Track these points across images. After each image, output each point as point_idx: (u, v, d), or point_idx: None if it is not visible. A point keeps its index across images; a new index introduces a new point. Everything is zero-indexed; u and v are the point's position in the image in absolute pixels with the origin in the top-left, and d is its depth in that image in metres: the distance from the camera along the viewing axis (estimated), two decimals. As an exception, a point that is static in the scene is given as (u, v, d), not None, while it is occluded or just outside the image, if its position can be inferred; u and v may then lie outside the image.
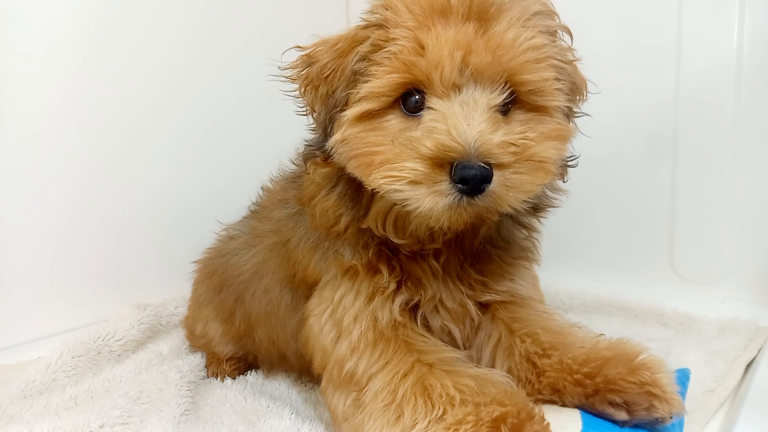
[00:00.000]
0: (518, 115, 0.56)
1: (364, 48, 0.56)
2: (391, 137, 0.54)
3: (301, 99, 0.64)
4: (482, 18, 0.53)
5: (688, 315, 1.03)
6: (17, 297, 1.04)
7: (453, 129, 0.51)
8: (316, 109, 0.61)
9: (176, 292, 1.21)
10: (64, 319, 1.09)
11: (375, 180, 0.54)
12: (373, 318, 0.62)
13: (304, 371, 0.82)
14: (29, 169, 1.04)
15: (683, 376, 0.69)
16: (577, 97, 0.62)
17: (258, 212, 0.85)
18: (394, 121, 0.56)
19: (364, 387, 0.59)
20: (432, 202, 0.52)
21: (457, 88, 0.53)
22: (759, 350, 0.89)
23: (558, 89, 0.56)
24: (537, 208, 0.66)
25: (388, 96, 0.55)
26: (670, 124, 1.14)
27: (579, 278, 1.23)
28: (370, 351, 0.60)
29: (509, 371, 0.65)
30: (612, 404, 0.57)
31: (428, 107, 0.54)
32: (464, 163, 0.50)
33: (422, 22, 0.53)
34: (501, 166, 0.51)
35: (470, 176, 0.50)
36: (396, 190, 0.53)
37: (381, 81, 0.54)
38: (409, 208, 0.54)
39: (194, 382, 0.89)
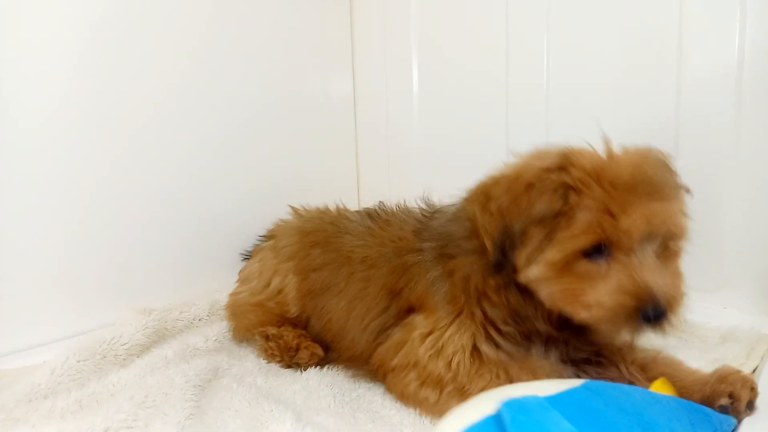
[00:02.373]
0: (663, 254, 0.73)
1: (548, 205, 0.71)
2: (587, 281, 0.71)
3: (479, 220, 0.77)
4: (656, 197, 0.71)
5: (689, 323, 1.03)
6: (23, 302, 1.05)
7: (642, 281, 0.69)
8: (492, 236, 0.75)
9: (181, 296, 1.22)
10: (69, 323, 1.10)
11: (581, 314, 0.71)
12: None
13: (348, 348, 0.95)
14: (36, 173, 1.05)
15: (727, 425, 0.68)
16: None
17: (380, 221, 1.00)
18: (582, 265, 0.71)
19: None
20: (626, 331, 0.72)
21: (637, 244, 0.70)
22: (761, 358, 0.89)
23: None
24: None
25: (582, 249, 0.70)
26: (671, 131, 1.15)
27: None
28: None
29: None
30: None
31: (615, 260, 0.70)
32: (653, 308, 0.68)
33: (614, 196, 0.70)
34: (669, 306, 0.69)
35: (656, 317, 0.68)
36: (602, 324, 0.72)
37: (579, 240, 0.70)
38: (603, 331, 0.76)
39: (199, 386, 0.89)
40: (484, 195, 0.77)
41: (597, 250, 0.70)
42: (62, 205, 1.09)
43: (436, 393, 0.80)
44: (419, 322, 0.85)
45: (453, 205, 0.92)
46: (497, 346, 0.80)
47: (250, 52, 1.38)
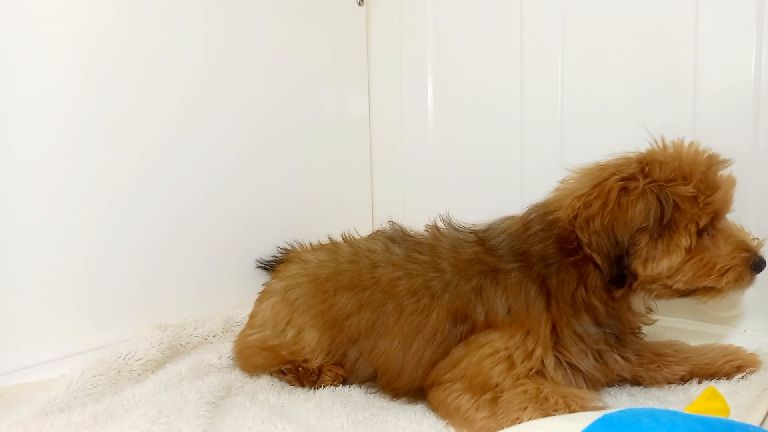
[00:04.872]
0: None
1: (650, 211, 0.79)
2: (708, 254, 0.82)
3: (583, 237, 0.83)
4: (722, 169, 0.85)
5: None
6: (40, 317, 1.06)
7: (745, 239, 0.84)
8: (602, 253, 0.81)
9: (196, 312, 1.22)
10: (86, 338, 1.11)
11: (719, 283, 0.82)
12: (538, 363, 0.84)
13: (405, 385, 0.92)
14: (51, 189, 1.07)
15: None
16: None
17: (416, 246, 0.98)
18: (698, 244, 0.81)
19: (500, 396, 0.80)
20: (747, 285, 0.84)
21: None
22: (783, 383, 0.87)
23: None
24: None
25: (702, 229, 0.81)
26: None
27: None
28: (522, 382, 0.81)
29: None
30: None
31: (716, 230, 0.83)
32: (760, 258, 0.83)
33: (702, 178, 0.81)
34: None
35: (761, 264, 0.83)
36: (732, 284, 0.82)
37: (701, 219, 0.80)
38: (722, 295, 0.84)
39: (213, 402, 0.89)
40: (581, 218, 0.82)
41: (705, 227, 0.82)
42: (78, 222, 1.10)
43: (471, 401, 0.81)
44: (494, 339, 0.85)
45: (507, 219, 0.94)
46: (566, 363, 0.85)
47: (265, 69, 1.40)
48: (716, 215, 0.82)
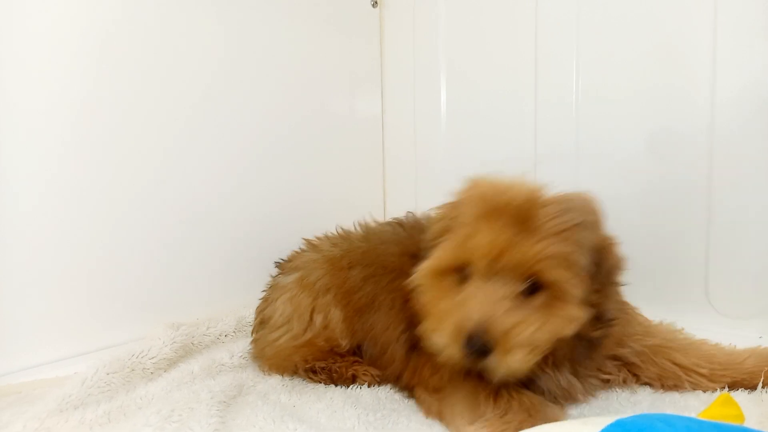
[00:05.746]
0: (539, 298, 0.72)
1: (438, 226, 0.79)
2: (443, 297, 0.75)
3: None
4: (521, 227, 0.71)
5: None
6: (55, 315, 1.08)
7: (470, 309, 0.70)
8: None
9: (208, 312, 1.23)
10: (100, 336, 1.12)
11: (426, 324, 0.76)
12: None
13: (388, 361, 0.95)
14: (64, 190, 1.08)
15: None
16: (614, 275, 0.80)
17: (409, 228, 1.01)
18: (450, 281, 0.76)
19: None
20: (452, 352, 0.72)
21: (491, 275, 0.71)
22: (799, 391, 0.86)
23: (574, 284, 0.71)
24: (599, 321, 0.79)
25: (449, 266, 0.75)
26: (704, 153, 1.13)
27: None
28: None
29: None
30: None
31: (468, 284, 0.73)
32: (471, 338, 0.69)
33: (476, 220, 0.73)
34: (498, 344, 0.69)
35: (473, 349, 0.69)
36: (434, 338, 0.74)
37: (446, 254, 0.75)
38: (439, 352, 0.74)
39: (224, 402, 0.89)
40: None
41: (465, 273, 0.74)
42: (93, 223, 1.11)
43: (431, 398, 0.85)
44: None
45: None
46: None
47: (278, 72, 1.40)
48: (472, 268, 0.73)
